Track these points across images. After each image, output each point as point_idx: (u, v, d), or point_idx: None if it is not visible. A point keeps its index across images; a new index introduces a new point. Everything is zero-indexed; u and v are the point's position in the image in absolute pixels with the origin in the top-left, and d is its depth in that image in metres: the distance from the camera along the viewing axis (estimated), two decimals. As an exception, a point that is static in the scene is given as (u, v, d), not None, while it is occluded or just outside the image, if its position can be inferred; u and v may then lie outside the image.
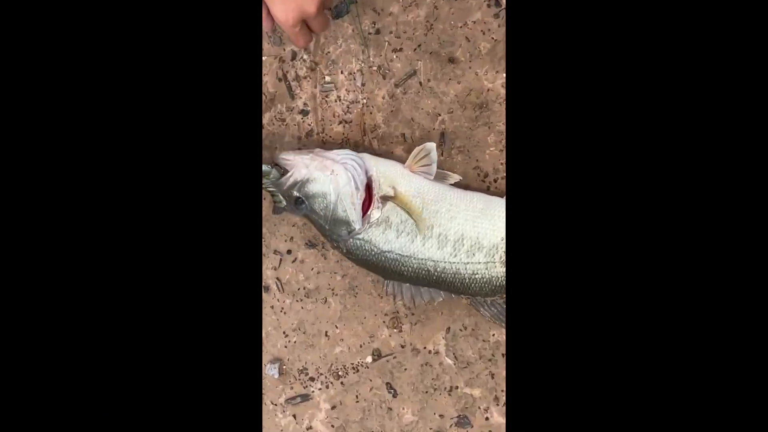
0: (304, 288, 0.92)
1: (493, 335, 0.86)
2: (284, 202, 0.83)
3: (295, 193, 0.80)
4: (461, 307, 0.87)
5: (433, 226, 0.80)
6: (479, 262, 0.80)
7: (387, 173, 0.81)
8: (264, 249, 0.93)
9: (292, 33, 0.74)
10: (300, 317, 0.92)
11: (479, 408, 0.88)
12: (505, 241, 0.79)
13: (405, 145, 0.88)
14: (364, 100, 0.87)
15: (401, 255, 0.81)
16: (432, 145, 0.80)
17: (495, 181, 0.85)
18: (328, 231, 0.82)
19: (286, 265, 0.92)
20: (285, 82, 0.91)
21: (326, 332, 0.92)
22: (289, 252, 0.92)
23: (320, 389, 0.92)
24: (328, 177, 0.79)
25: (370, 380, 0.90)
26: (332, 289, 0.91)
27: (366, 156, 0.82)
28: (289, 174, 0.80)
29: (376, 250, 0.81)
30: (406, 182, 0.81)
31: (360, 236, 0.81)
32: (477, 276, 0.80)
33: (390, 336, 0.89)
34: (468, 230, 0.80)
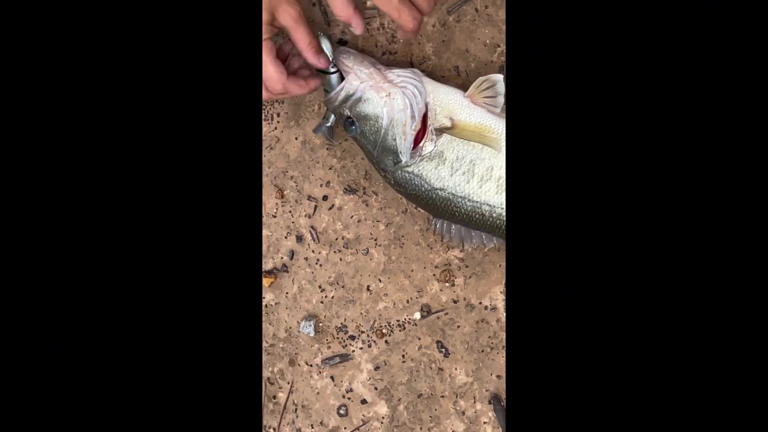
0: (343, 238, 0.83)
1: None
2: (330, 120, 0.76)
3: (347, 112, 0.71)
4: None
5: (492, 167, 0.71)
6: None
7: (445, 102, 0.71)
8: (296, 195, 0.83)
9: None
10: (338, 270, 0.83)
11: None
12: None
13: (459, 80, 0.78)
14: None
15: (454, 195, 0.72)
16: (499, 77, 0.70)
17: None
18: (375, 159, 0.73)
19: (321, 212, 0.83)
20: (320, 6, 0.80)
21: (368, 286, 0.83)
22: (325, 198, 0.82)
23: (361, 348, 0.84)
24: (383, 99, 0.70)
25: (419, 338, 0.82)
26: (375, 239, 0.82)
27: (426, 79, 0.72)
28: (340, 87, 0.71)
29: (426, 186, 0.73)
30: (467, 114, 0.71)
31: (410, 169, 0.72)
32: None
33: (441, 290, 0.81)
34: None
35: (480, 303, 0.80)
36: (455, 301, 0.81)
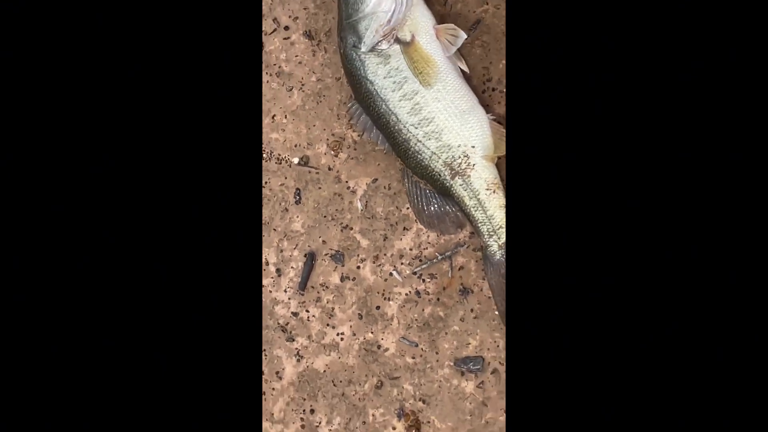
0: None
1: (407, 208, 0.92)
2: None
3: None
4: (395, 167, 0.91)
5: (417, 92, 0.82)
6: (428, 149, 0.82)
7: (418, 20, 0.81)
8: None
9: None
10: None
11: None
12: (462, 150, 0.82)
13: (441, 9, 0.88)
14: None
15: (378, 95, 0.83)
16: (462, 34, 0.80)
17: (494, 90, 0.87)
18: (341, 26, 0.82)
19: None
20: None
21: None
22: (287, 28, 0.92)
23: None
24: None
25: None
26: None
27: None
28: None
29: (363, 72, 0.82)
30: (426, 41, 0.81)
31: (360, 52, 0.82)
32: (419, 156, 0.83)
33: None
34: (441, 118, 0.81)
35: (348, 189, 0.93)
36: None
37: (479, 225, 0.83)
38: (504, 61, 0.87)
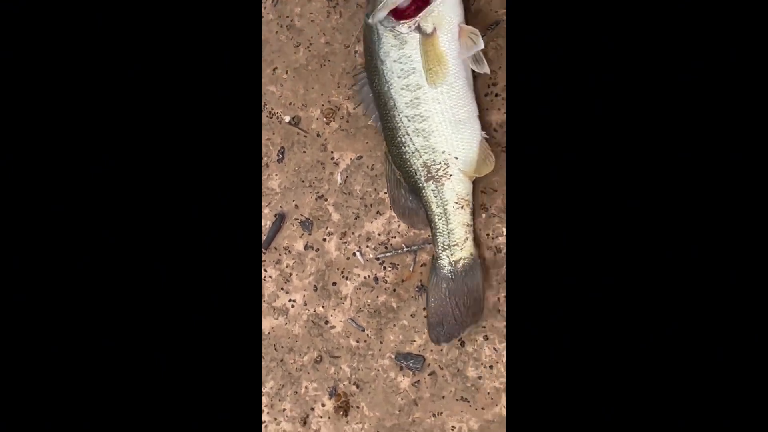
0: (291, 21, 0.90)
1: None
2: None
3: None
4: (382, 149, 0.88)
5: (420, 86, 0.78)
6: (413, 144, 0.80)
7: (444, 13, 0.77)
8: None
9: None
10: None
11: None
12: (444, 157, 0.79)
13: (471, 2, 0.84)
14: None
15: (384, 75, 0.80)
16: (481, 43, 0.76)
17: (496, 96, 0.84)
18: None
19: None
20: None
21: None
22: None
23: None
24: None
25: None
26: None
27: None
28: None
29: (376, 48, 0.79)
30: (446, 38, 0.77)
31: (380, 25, 0.78)
32: (403, 147, 0.81)
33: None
34: (435, 120, 0.79)
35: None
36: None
37: (437, 235, 0.81)
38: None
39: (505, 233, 0.83)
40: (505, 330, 0.83)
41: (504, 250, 0.83)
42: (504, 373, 0.83)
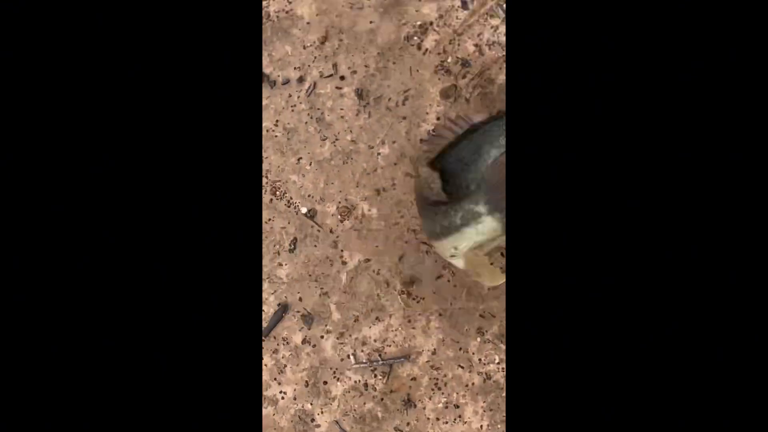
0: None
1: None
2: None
3: None
4: (391, 254, 0.88)
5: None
6: (458, 213, 0.78)
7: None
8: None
9: None
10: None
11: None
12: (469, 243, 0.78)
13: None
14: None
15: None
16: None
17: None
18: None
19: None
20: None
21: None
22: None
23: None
24: None
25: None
26: (335, 140, 0.91)
27: None
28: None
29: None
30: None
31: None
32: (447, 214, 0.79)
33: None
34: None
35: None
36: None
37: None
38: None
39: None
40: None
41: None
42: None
